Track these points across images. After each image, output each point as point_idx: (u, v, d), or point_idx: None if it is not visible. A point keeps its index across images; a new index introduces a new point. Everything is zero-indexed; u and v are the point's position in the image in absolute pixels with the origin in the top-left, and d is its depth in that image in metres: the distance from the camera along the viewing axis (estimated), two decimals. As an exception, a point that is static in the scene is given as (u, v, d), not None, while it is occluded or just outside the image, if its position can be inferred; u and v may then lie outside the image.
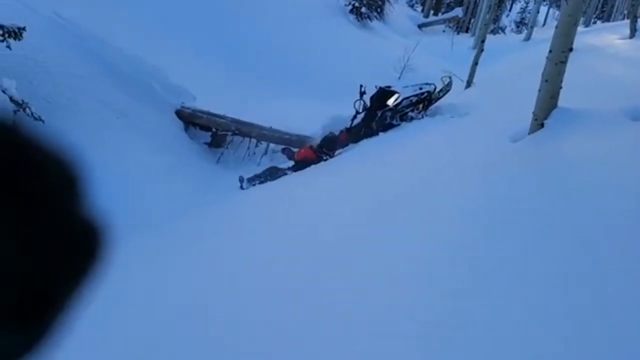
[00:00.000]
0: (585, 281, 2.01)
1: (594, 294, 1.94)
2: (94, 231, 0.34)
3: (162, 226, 5.00)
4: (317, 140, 7.54)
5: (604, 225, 2.37)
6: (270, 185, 6.52)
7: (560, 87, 3.94)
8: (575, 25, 3.99)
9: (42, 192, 0.32)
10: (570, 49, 3.96)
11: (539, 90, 3.98)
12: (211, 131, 8.34)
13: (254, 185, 6.71)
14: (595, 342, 1.72)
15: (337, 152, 7.33)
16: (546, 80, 3.95)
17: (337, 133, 7.51)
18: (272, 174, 6.90)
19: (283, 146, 7.87)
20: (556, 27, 3.97)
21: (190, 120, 8.28)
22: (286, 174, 6.89)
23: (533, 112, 3.98)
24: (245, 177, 6.84)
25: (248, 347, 2.37)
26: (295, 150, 7.43)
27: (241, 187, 6.74)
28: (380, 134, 7.34)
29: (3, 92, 5.22)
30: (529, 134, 3.96)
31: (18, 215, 0.30)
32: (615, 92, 4.68)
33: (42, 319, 0.32)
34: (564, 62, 3.91)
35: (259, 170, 7.20)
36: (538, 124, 3.94)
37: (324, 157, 7.05)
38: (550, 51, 3.94)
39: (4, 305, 0.30)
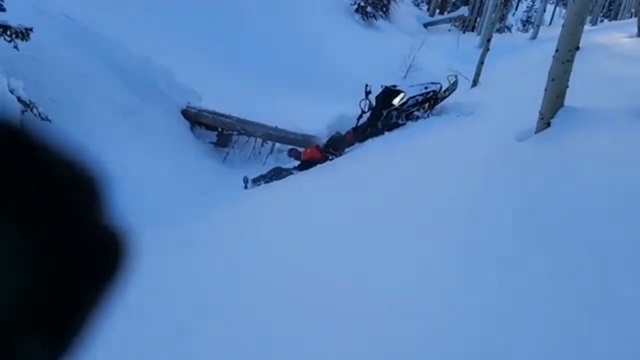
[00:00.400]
0: (590, 281, 2.00)
1: (601, 294, 1.93)
2: (117, 236, 0.35)
3: (169, 226, 5.01)
4: (323, 140, 7.53)
5: (612, 224, 2.36)
6: (276, 184, 6.52)
7: (567, 86, 3.93)
8: (582, 24, 3.97)
9: (63, 197, 0.32)
10: (577, 48, 3.95)
11: (546, 89, 3.96)
12: (217, 131, 8.37)
13: (258, 185, 6.69)
14: (599, 341, 1.72)
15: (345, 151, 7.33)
16: (553, 79, 3.94)
17: (343, 133, 7.50)
18: (277, 174, 6.88)
19: (289, 147, 7.85)
20: (563, 26, 3.96)
21: (196, 119, 8.31)
22: (291, 173, 6.88)
23: (539, 111, 3.97)
24: (250, 177, 6.83)
25: (263, 348, 2.37)
26: (301, 150, 7.40)
27: (245, 188, 6.74)
28: (386, 133, 7.33)
29: (11, 92, 5.25)
30: (535, 133, 3.94)
31: (41, 220, 0.30)
32: (622, 91, 4.66)
33: (68, 324, 0.32)
34: (570, 61, 3.89)
35: (264, 170, 7.20)
36: (544, 122, 3.93)
37: (330, 157, 7.05)
38: (556, 50, 3.92)
39: (31, 310, 0.30)
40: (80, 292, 0.33)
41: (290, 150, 7.56)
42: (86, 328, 0.33)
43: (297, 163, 7.23)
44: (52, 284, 0.31)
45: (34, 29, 5.73)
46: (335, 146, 7.20)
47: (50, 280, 0.31)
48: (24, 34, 5.65)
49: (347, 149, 7.37)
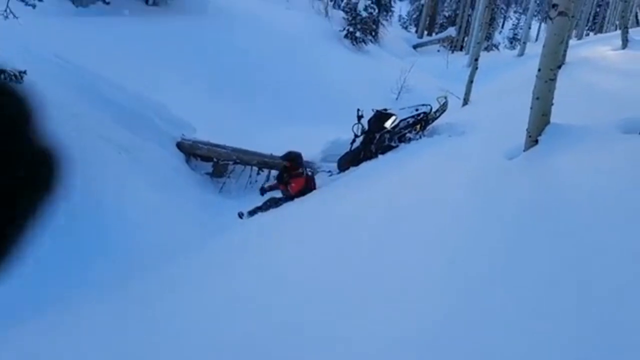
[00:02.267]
0: (578, 302, 2.03)
1: (590, 302, 1.95)
2: (49, 158, 0.37)
3: (167, 259, 5.01)
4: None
5: (600, 239, 2.39)
6: (272, 212, 6.54)
7: (552, 104, 3.99)
8: (562, 43, 4.06)
9: None
10: (559, 67, 4.03)
11: (531, 108, 4.03)
12: (212, 161, 8.43)
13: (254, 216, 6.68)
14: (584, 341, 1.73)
15: (342, 172, 7.44)
16: (537, 98, 4.00)
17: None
18: (274, 204, 6.89)
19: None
20: (544, 46, 4.04)
21: (191, 151, 8.37)
22: (287, 202, 6.89)
23: (527, 129, 4.03)
24: (246, 210, 6.79)
25: None
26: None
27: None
28: (380, 156, 7.41)
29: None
30: (524, 150, 4.00)
31: None
32: (607, 105, 4.74)
33: (3, 238, 0.35)
34: (553, 80, 3.96)
35: (259, 200, 7.18)
36: (532, 140, 3.99)
37: (310, 173, 7.22)
38: (539, 69, 4.00)
39: None
40: (14, 208, 0.35)
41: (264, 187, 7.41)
42: (19, 242, 0.35)
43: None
44: None
45: (27, 72, 5.82)
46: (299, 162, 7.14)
47: None
48: (17, 76, 5.75)
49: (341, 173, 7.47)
